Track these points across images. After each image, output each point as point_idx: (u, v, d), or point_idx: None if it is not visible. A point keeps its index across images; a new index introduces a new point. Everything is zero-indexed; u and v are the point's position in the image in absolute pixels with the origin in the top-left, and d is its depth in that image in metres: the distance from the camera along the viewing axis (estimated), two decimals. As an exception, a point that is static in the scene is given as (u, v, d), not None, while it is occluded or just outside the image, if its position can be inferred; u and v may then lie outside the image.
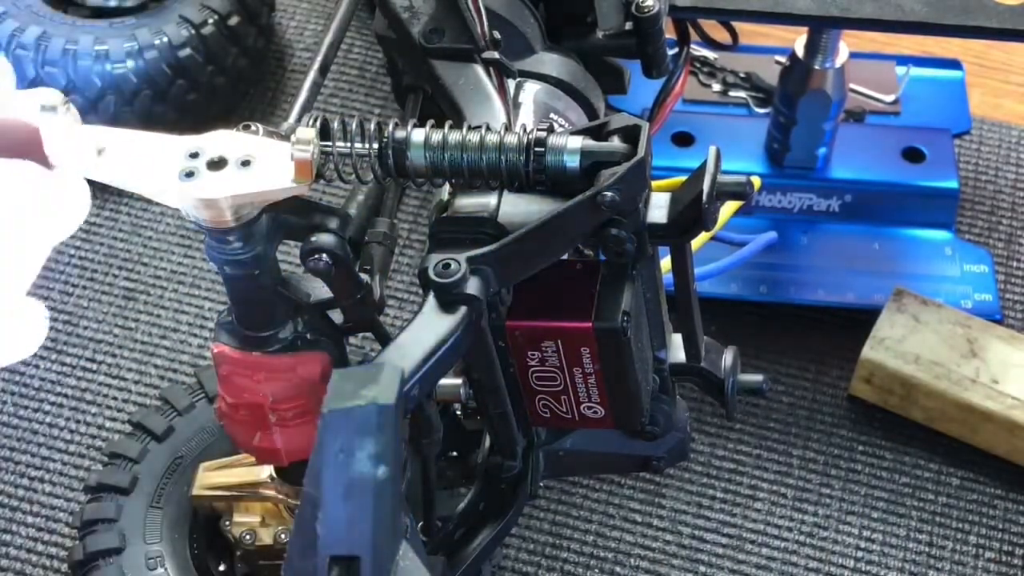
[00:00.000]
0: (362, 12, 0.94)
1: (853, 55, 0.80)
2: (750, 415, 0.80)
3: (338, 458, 0.40)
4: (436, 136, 0.51)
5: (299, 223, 0.51)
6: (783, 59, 0.83)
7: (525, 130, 0.52)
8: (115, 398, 0.80)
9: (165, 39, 0.87)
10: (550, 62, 0.66)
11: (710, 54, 0.90)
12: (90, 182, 0.85)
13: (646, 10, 0.66)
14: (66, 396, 0.80)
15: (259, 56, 0.94)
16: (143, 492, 0.69)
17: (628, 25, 0.67)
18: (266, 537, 0.68)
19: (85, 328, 0.83)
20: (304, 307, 0.54)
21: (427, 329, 0.49)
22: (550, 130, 0.52)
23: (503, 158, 0.51)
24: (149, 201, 0.88)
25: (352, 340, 0.78)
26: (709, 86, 0.90)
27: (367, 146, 0.51)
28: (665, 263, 0.57)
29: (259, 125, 0.49)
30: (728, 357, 0.61)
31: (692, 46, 0.74)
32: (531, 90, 0.64)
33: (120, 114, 0.87)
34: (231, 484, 0.67)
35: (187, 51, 0.87)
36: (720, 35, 0.78)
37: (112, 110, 0.87)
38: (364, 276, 0.55)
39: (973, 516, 0.77)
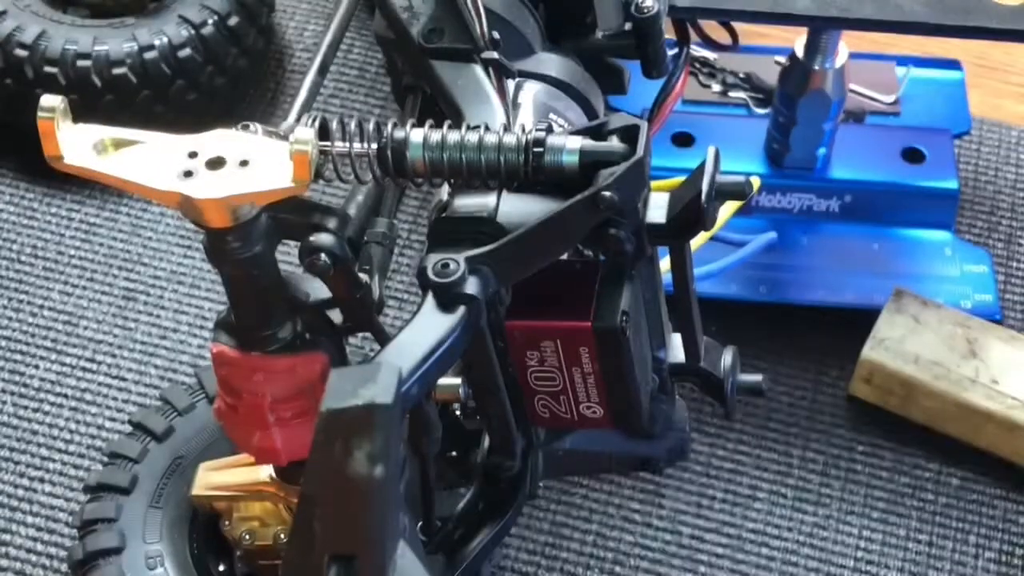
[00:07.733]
0: (362, 12, 0.94)
1: (853, 55, 0.80)
2: (750, 415, 0.80)
3: (336, 457, 0.40)
4: (435, 136, 0.51)
5: (298, 223, 0.51)
6: (783, 59, 0.83)
7: (524, 130, 0.52)
8: (115, 398, 0.80)
9: (165, 39, 0.87)
10: (549, 62, 0.66)
11: (710, 54, 0.90)
12: (90, 182, 0.85)
13: (646, 10, 0.66)
14: (66, 396, 0.80)
15: (259, 56, 0.94)
16: (143, 492, 0.69)
17: (628, 25, 0.67)
18: (266, 537, 0.68)
19: (85, 328, 0.83)
20: (303, 307, 0.54)
21: (426, 329, 0.49)
22: (549, 130, 0.52)
23: (502, 158, 0.51)
24: (149, 201, 0.88)
25: (352, 340, 0.78)
26: (709, 86, 0.90)
27: (366, 146, 0.51)
28: (665, 263, 0.57)
29: (257, 125, 0.49)
30: (728, 357, 0.61)
31: (692, 46, 0.74)
32: (530, 90, 0.64)
33: (120, 114, 0.87)
34: (231, 484, 0.67)
35: (187, 51, 0.87)
36: (720, 35, 0.78)
37: (112, 110, 0.87)
38: (363, 276, 0.55)
39: (973, 516, 0.76)
